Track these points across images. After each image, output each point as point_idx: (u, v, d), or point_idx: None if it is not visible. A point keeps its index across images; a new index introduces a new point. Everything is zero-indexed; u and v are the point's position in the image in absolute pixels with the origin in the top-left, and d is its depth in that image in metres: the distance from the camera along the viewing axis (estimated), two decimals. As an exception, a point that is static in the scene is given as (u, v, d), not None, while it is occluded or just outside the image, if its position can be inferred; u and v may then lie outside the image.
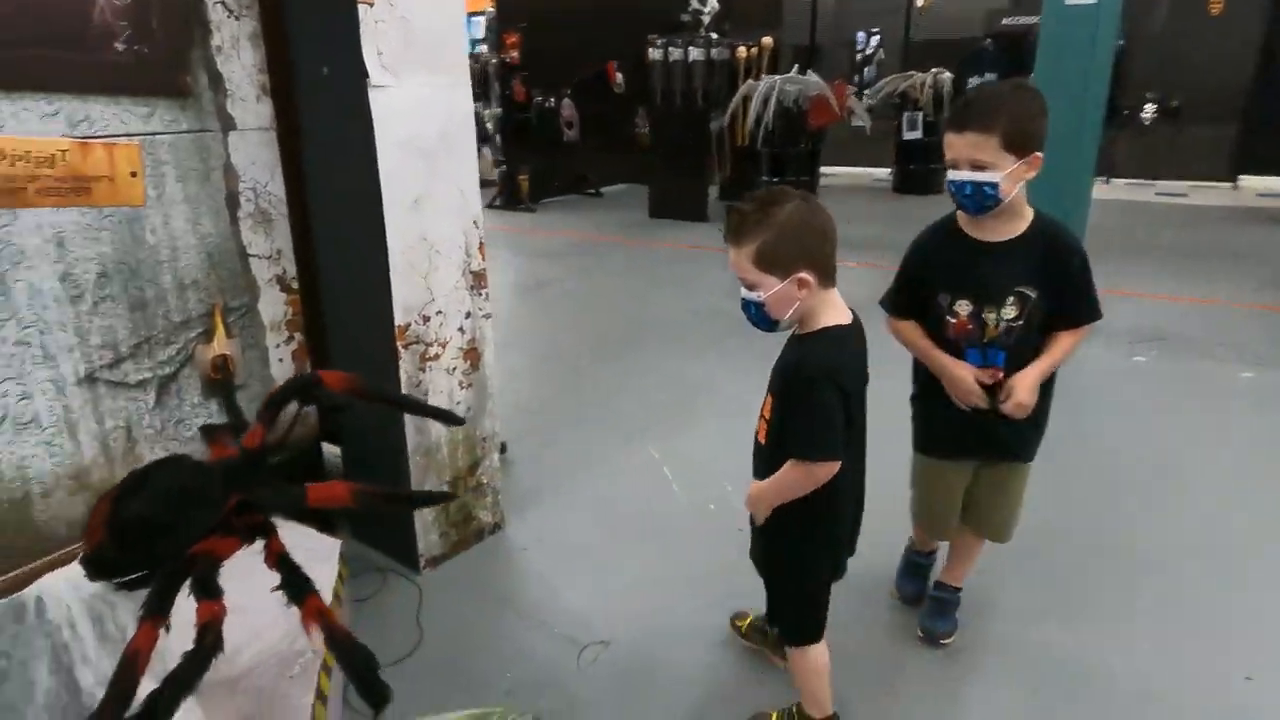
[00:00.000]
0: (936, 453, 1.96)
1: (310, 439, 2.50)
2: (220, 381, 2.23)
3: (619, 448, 3.24)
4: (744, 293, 1.47)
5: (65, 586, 1.07)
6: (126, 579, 1.01)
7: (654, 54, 7.95)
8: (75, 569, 1.09)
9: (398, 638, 2.16)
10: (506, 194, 9.18)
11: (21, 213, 1.78)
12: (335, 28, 2.02)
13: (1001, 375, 1.75)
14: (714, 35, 7.87)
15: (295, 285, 2.37)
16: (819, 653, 1.71)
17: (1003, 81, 2.03)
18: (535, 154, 9.16)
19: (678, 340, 4.57)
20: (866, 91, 9.72)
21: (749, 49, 8.19)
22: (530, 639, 2.16)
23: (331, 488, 1.27)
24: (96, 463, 1.99)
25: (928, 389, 1.88)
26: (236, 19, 2.10)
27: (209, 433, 1.36)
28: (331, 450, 2.60)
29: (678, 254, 6.88)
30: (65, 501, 1.94)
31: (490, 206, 9.21)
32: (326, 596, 1.95)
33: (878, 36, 11.47)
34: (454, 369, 2.39)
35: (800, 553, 1.58)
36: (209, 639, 1.09)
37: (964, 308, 1.73)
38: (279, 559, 1.22)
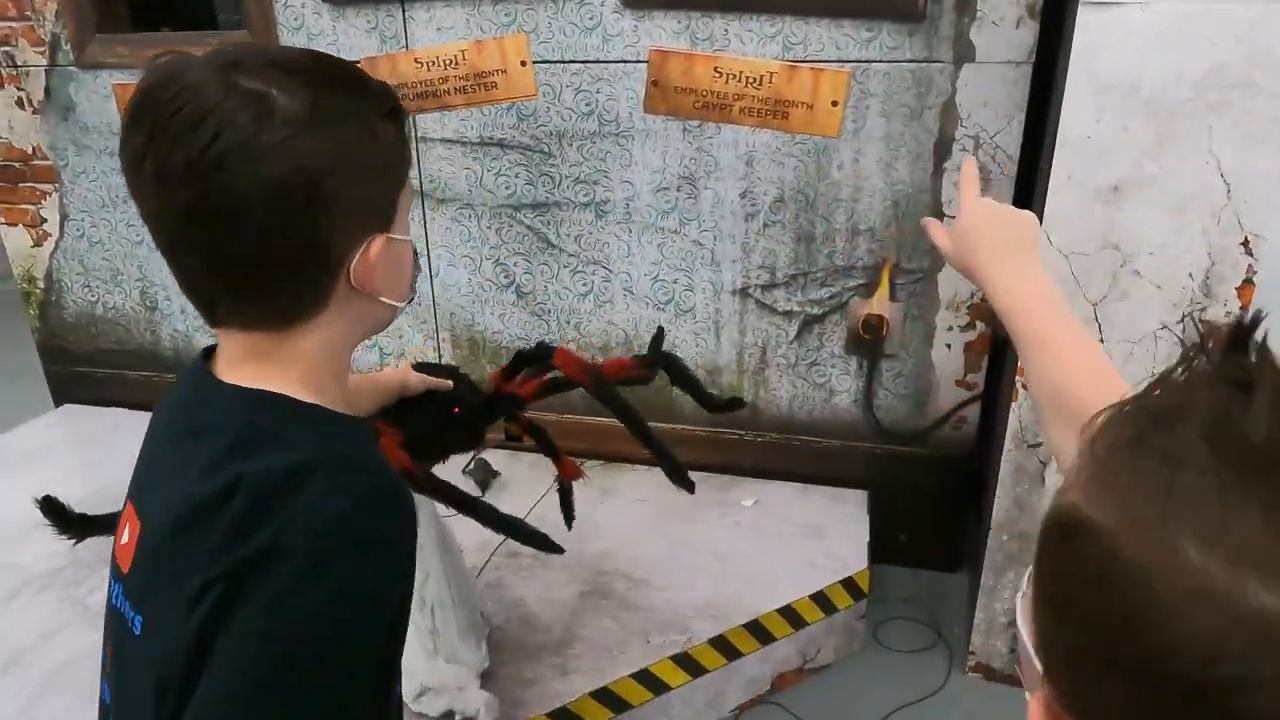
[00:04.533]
0: None
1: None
2: (868, 343, 2.03)
3: None
4: None
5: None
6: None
7: None
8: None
9: (864, 702, 1.74)
10: None
11: (724, 128, 1.93)
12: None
13: None
14: None
15: (998, 266, 1.86)
16: None
17: None
18: None
19: None
20: None
21: None
22: None
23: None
24: (729, 367, 2.14)
25: None
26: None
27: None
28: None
29: None
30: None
31: None
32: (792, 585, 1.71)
33: None
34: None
35: None
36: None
37: None
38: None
